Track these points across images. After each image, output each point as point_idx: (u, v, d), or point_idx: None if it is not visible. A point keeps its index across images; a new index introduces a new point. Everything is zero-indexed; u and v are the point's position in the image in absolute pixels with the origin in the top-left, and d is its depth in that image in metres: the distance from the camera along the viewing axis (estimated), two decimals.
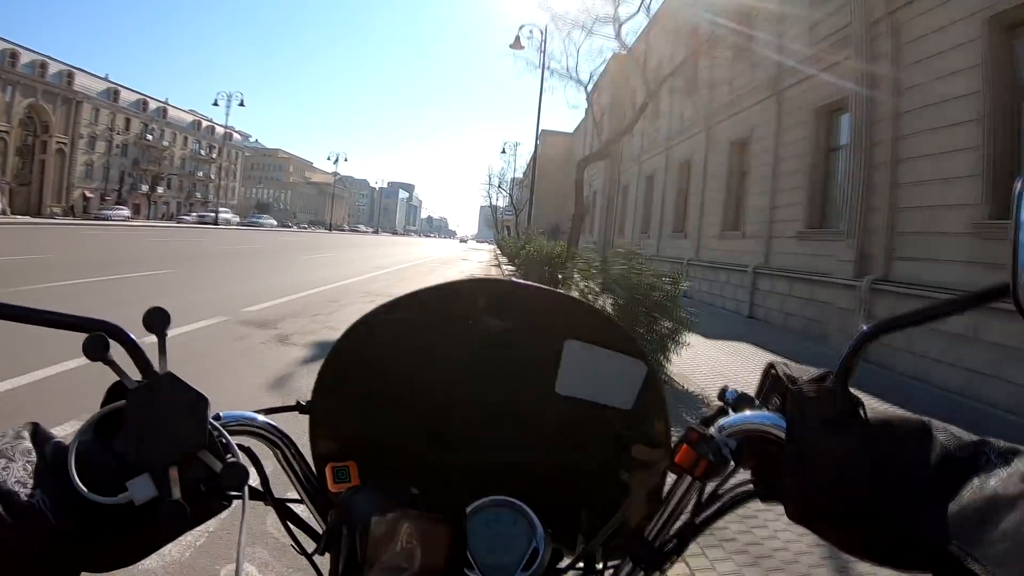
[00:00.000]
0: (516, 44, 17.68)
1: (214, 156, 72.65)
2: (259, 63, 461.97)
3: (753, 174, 12.75)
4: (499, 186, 52.11)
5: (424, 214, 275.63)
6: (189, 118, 68.96)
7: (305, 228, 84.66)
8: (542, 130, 24.54)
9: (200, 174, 71.05)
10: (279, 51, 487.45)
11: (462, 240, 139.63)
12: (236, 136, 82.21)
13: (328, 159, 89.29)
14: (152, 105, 63.22)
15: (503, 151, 45.16)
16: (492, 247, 57.36)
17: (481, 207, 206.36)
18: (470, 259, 31.56)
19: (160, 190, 62.78)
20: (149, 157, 60.78)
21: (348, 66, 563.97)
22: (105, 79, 56.58)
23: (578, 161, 12.26)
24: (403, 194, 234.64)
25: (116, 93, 57.21)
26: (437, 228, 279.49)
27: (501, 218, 48.15)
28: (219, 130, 75.74)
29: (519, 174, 49.22)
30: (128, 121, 58.48)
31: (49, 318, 0.48)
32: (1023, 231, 0.44)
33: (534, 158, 27.99)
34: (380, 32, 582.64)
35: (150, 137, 61.25)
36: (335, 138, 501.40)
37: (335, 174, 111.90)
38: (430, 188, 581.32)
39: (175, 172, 66.46)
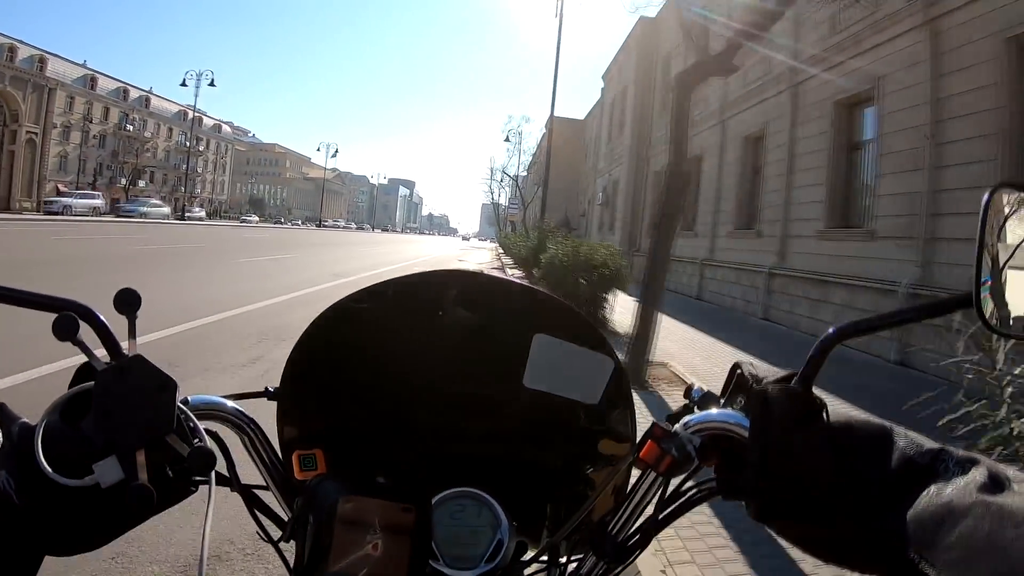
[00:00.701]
0: None
1: (201, 148, 69.17)
2: (258, 57, 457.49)
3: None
4: (501, 181, 48.39)
5: (425, 211, 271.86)
6: (175, 108, 65.14)
7: (298, 225, 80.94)
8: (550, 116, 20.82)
9: (185, 167, 67.61)
10: (279, 45, 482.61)
11: (464, 238, 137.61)
12: (227, 129, 78.59)
13: (318, 150, 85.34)
14: (133, 94, 59.74)
15: (507, 138, 41.25)
16: (494, 245, 54.39)
17: (483, 204, 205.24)
18: (467, 261, 27.84)
19: (142, 183, 59.12)
20: (129, 149, 56.99)
21: (350, 60, 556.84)
22: (83, 65, 53.13)
23: (677, 74, 6.39)
24: (403, 191, 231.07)
25: (94, 80, 53.68)
26: (438, 225, 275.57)
27: (505, 213, 44.47)
28: (208, 122, 72.31)
29: (527, 157, 45.57)
30: (107, 110, 55.01)
31: (18, 296, 0.49)
32: (987, 243, 0.48)
33: (548, 139, 23.60)
34: (383, 25, 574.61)
35: (130, 127, 57.72)
36: (336, 134, 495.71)
37: (333, 169, 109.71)
38: (432, 185, 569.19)
39: (156, 165, 62.91)
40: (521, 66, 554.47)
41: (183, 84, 46.03)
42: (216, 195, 75.41)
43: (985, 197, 0.48)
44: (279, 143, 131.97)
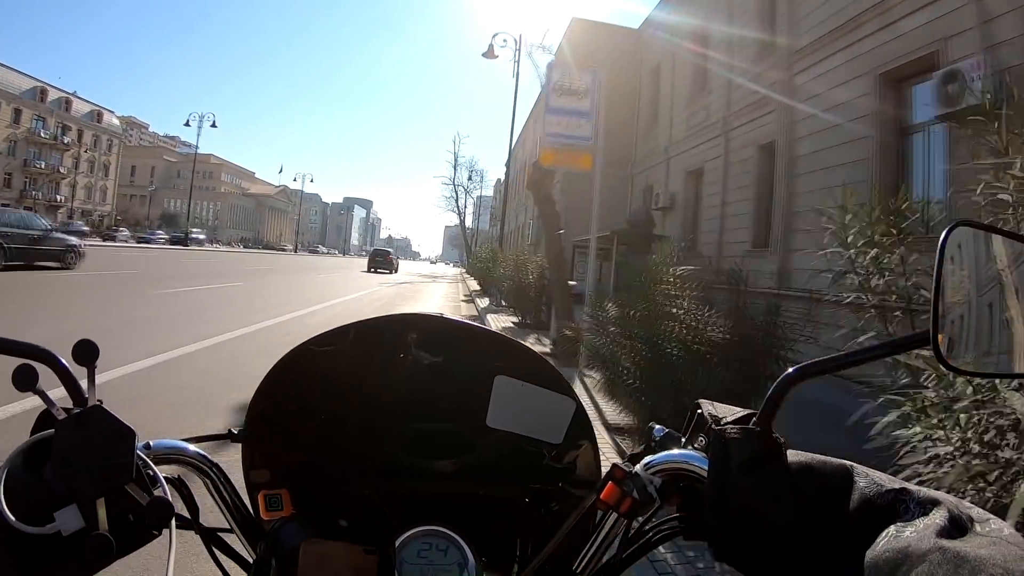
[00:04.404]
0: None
1: (67, 141, 52.02)
2: (205, 73, 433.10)
3: None
4: (467, 195, 43.61)
5: (384, 233, 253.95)
6: (26, 83, 48.27)
7: (221, 247, 63.59)
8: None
9: (42, 164, 50.16)
10: (229, 60, 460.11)
11: (431, 261, 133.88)
12: (112, 120, 61.06)
13: (281, 172, 71.04)
14: None
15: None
16: (459, 270, 48.61)
17: (446, 227, 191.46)
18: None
19: None
20: None
21: (305, 79, 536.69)
22: None
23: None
24: (360, 211, 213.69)
25: None
26: (399, 249, 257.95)
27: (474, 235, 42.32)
28: (81, 107, 55.11)
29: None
30: None
31: None
32: (945, 282, 0.49)
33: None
34: (341, 45, 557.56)
35: None
36: (289, 154, 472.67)
37: (279, 186, 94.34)
38: (391, 207, 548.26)
39: None
40: (482, 95, 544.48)
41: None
42: (95, 204, 58.03)
43: (943, 235, 0.48)
44: (215, 154, 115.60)
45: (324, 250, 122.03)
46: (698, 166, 15.36)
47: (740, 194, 12.80)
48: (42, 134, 49.50)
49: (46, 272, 12.72)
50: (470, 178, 44.29)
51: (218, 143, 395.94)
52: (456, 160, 41.52)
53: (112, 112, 60.81)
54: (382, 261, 35.16)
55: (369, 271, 32.90)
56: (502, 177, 51.90)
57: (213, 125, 39.89)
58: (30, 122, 48.59)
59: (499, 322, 10.61)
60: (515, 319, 11.41)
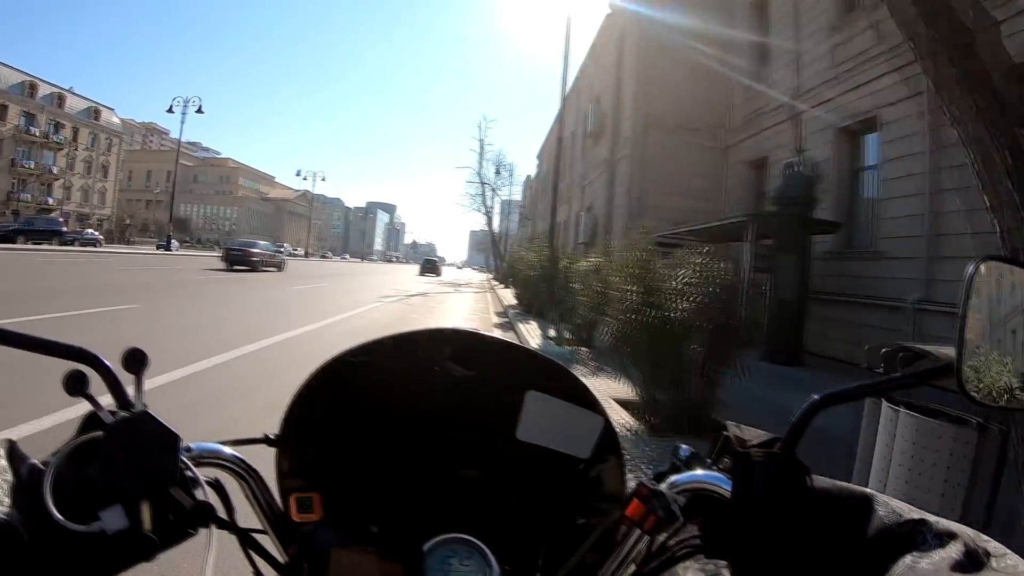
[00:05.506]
0: None
1: (59, 140, 48.12)
2: (230, 79, 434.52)
3: None
4: (493, 194, 39.10)
5: (408, 239, 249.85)
6: (14, 77, 44.46)
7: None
8: None
9: (32, 164, 46.24)
10: (256, 67, 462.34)
11: (458, 267, 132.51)
12: (113, 118, 57.01)
13: (301, 177, 67.61)
14: None
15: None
16: (486, 276, 49.23)
17: (471, 231, 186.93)
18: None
19: None
20: None
21: (329, 84, 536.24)
22: None
23: None
24: (383, 216, 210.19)
25: None
26: (424, 254, 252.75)
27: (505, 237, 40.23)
28: (76, 103, 51.24)
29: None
30: None
31: (33, 343, 0.52)
32: (970, 315, 0.50)
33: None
34: (362, 43, 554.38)
35: None
36: (311, 158, 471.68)
37: (299, 190, 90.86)
38: (415, 212, 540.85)
39: None
40: (511, 94, 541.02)
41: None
42: (93, 207, 54.18)
43: (970, 269, 0.49)
44: (232, 158, 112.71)
45: (330, 255, 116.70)
46: (867, 112, 9.75)
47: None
48: (32, 131, 45.64)
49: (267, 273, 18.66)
50: (498, 172, 39.09)
51: (238, 147, 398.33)
52: (482, 148, 36.35)
53: (112, 110, 56.24)
54: (431, 267, 45.51)
55: (421, 275, 40.34)
56: (531, 174, 46.90)
57: (199, 111, 35.10)
58: (18, 119, 44.73)
59: (619, 416, 4.56)
60: (632, 390, 4.78)
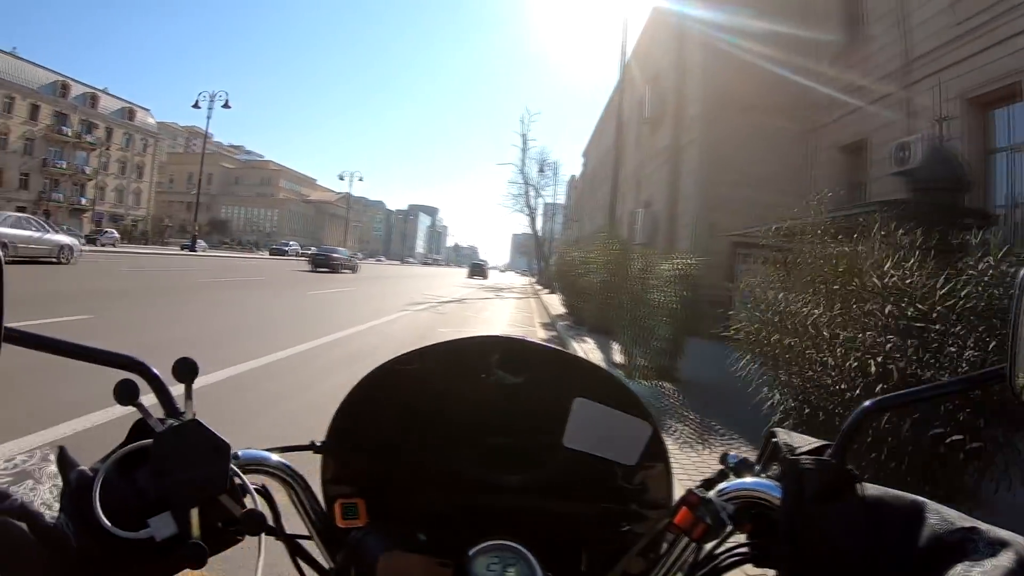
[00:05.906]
0: None
1: (92, 140, 47.49)
2: (270, 79, 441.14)
3: None
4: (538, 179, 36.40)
5: (450, 242, 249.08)
6: (45, 77, 43.96)
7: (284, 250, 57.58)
8: None
9: (64, 164, 45.65)
10: (296, 69, 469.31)
11: (501, 270, 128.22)
12: (148, 119, 56.46)
13: (341, 179, 66.75)
14: None
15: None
16: (528, 280, 47.25)
17: (513, 235, 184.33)
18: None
19: None
20: None
21: (375, 88, 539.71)
22: None
23: None
24: (425, 219, 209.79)
25: None
26: (466, 257, 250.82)
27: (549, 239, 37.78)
28: (110, 103, 50.67)
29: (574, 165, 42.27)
30: None
31: (83, 352, 0.52)
32: (1021, 319, 0.48)
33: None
34: (409, 51, 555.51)
35: None
36: (353, 161, 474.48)
37: (340, 193, 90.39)
38: (457, 214, 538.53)
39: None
40: (555, 100, 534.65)
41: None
42: (128, 208, 53.73)
43: (1022, 274, 0.48)
44: (275, 160, 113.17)
45: (360, 256, 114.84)
46: (1008, 77, 6.96)
47: None
48: (64, 131, 45.13)
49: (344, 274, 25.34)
50: (541, 171, 36.12)
51: (283, 152, 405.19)
52: (525, 143, 33.66)
53: (148, 110, 56.21)
54: (479, 271, 48.47)
55: (469, 278, 42.64)
56: (577, 174, 43.60)
57: (225, 105, 33.90)
58: (50, 118, 44.31)
59: None
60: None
